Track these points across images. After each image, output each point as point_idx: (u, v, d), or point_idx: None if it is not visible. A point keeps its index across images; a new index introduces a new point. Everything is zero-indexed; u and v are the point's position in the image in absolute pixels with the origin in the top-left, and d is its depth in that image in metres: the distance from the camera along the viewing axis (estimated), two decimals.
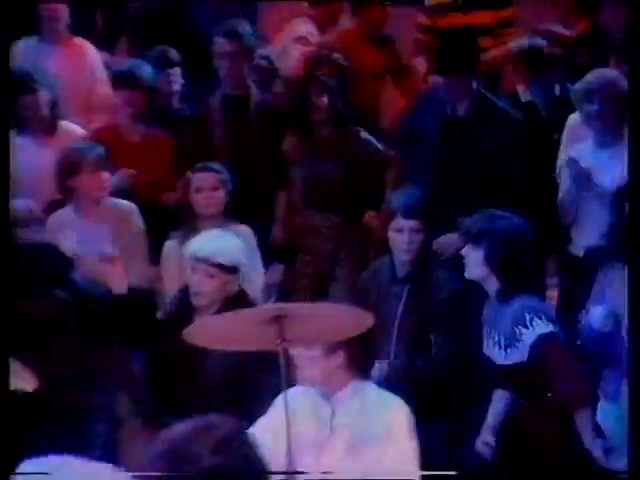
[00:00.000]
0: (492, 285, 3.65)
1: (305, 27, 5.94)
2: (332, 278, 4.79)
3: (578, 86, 4.42)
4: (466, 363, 3.97)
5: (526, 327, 3.56)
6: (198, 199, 4.42)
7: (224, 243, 4.07)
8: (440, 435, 3.98)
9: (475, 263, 3.67)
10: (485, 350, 3.80)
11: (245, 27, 5.04)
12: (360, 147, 4.88)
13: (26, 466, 3.28)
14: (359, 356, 3.36)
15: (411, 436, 3.35)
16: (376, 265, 4.25)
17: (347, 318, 3.35)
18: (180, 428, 2.26)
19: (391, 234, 4.04)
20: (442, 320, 3.96)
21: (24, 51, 5.24)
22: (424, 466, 3.41)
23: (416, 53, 5.82)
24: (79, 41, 5.42)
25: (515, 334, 3.56)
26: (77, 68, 5.39)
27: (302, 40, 5.82)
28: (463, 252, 3.74)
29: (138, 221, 4.57)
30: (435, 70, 5.06)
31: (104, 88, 5.27)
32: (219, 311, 3.82)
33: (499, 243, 3.61)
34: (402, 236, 4.02)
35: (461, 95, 4.58)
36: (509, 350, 3.64)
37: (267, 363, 3.50)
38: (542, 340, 3.52)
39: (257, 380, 3.72)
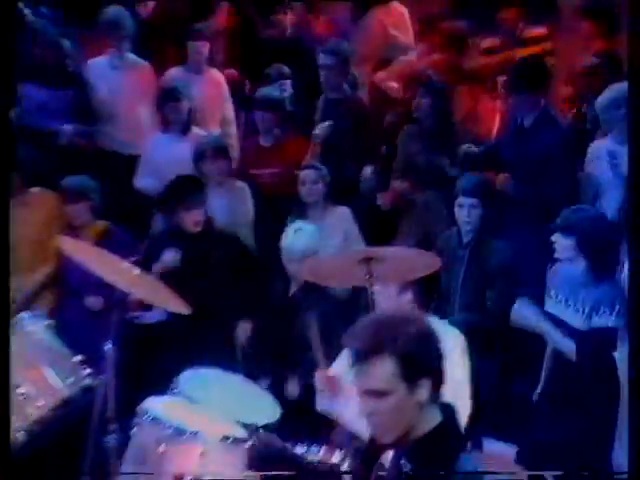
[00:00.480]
0: (580, 264, 4.13)
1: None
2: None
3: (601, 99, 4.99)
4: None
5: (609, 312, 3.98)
6: (303, 190, 5.30)
7: (297, 238, 4.82)
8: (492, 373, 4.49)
9: (565, 247, 4.16)
10: (551, 308, 4.19)
11: (343, 45, 5.96)
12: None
13: (184, 377, 3.89)
14: (424, 295, 3.85)
15: (464, 361, 3.79)
16: (447, 234, 4.88)
17: (420, 260, 3.80)
18: (387, 314, 2.60)
19: (456, 209, 4.73)
20: (495, 279, 4.58)
21: (174, 76, 6.20)
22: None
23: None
24: (215, 72, 6.30)
25: (598, 311, 4.01)
26: (212, 92, 6.26)
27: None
28: (553, 238, 4.18)
29: (249, 199, 5.47)
30: (511, 89, 5.54)
31: (229, 107, 6.22)
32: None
33: (588, 232, 4.11)
34: (463, 210, 4.72)
35: (530, 109, 5.12)
36: (590, 319, 4.04)
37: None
38: (604, 331, 3.96)
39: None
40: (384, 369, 2.36)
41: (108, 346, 3.77)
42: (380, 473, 2.54)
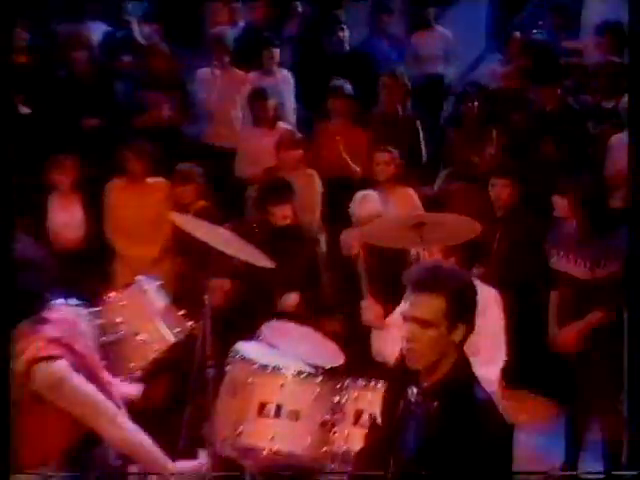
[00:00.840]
0: (573, 221, 4.32)
1: None
2: None
3: None
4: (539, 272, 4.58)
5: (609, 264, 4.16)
6: (377, 170, 5.47)
7: (363, 202, 4.99)
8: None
9: (562, 207, 4.37)
10: (555, 264, 4.39)
11: (401, 69, 6.29)
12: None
13: (266, 326, 4.05)
14: (466, 259, 3.85)
15: (501, 315, 3.79)
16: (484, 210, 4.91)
17: (464, 226, 3.74)
18: (443, 262, 2.83)
19: (490, 187, 4.92)
20: (525, 245, 4.71)
21: (255, 78, 6.46)
22: None
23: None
24: (287, 73, 6.54)
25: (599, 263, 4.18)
26: (286, 89, 6.57)
27: None
28: (553, 199, 4.40)
29: (319, 184, 5.71)
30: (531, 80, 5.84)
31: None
32: None
33: (580, 194, 4.29)
34: (495, 189, 4.94)
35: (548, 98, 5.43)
36: (594, 270, 4.23)
37: None
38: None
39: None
40: (434, 303, 2.41)
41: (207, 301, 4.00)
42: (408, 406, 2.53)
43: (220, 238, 3.98)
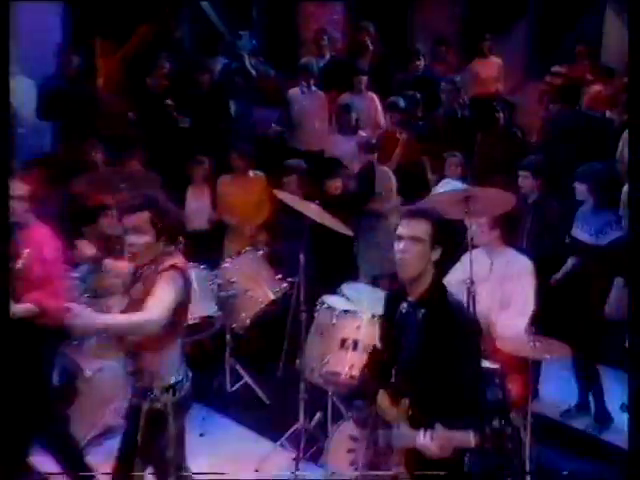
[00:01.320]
0: (590, 202, 4.56)
1: None
2: None
3: None
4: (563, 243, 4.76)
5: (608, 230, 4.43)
6: (448, 171, 5.56)
7: (445, 186, 5.16)
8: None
9: (581, 191, 4.58)
10: (574, 233, 4.62)
11: (457, 78, 6.68)
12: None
13: (345, 286, 4.33)
14: (507, 233, 4.05)
15: (533, 280, 3.94)
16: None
17: (502, 199, 3.85)
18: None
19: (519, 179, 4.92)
20: (553, 223, 4.81)
21: (346, 98, 6.78)
22: None
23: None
24: (372, 94, 6.87)
25: (602, 231, 4.46)
26: (371, 106, 6.87)
27: None
28: (574, 185, 4.58)
29: (393, 179, 5.81)
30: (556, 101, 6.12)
31: (381, 117, 6.84)
32: None
33: (594, 180, 4.52)
34: (519, 180, 4.90)
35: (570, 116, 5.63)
36: (598, 237, 4.46)
37: None
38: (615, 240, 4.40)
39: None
40: (423, 226, 2.75)
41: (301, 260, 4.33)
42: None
43: (312, 211, 4.36)
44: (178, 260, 3.13)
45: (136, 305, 3.09)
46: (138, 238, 3.08)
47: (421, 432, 2.66)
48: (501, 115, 6.13)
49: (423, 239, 2.78)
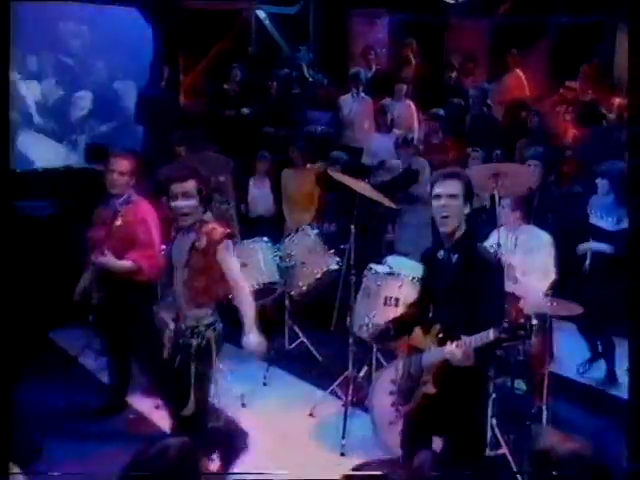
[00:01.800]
0: (611, 195, 4.53)
1: None
2: None
3: None
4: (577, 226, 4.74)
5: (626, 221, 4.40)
6: (471, 163, 5.60)
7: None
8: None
9: (603, 185, 4.56)
10: (592, 220, 4.62)
11: (485, 85, 6.84)
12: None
13: (389, 258, 4.38)
14: (527, 212, 4.19)
15: (552, 250, 4.08)
16: None
17: (528, 174, 4.01)
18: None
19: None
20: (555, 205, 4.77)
21: (386, 102, 6.91)
22: None
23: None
24: (410, 102, 6.94)
25: (621, 220, 4.46)
26: (407, 111, 7.08)
27: None
28: (596, 180, 4.54)
29: (429, 169, 5.86)
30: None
31: (415, 122, 6.97)
32: None
33: (614, 176, 4.50)
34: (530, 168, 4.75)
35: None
36: (618, 224, 4.47)
37: None
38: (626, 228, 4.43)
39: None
40: (456, 185, 2.90)
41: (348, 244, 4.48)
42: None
43: (362, 187, 4.46)
44: (216, 224, 3.28)
45: (198, 275, 3.25)
46: (187, 201, 3.22)
47: (448, 343, 2.81)
48: (536, 119, 6.23)
49: (458, 195, 2.91)
